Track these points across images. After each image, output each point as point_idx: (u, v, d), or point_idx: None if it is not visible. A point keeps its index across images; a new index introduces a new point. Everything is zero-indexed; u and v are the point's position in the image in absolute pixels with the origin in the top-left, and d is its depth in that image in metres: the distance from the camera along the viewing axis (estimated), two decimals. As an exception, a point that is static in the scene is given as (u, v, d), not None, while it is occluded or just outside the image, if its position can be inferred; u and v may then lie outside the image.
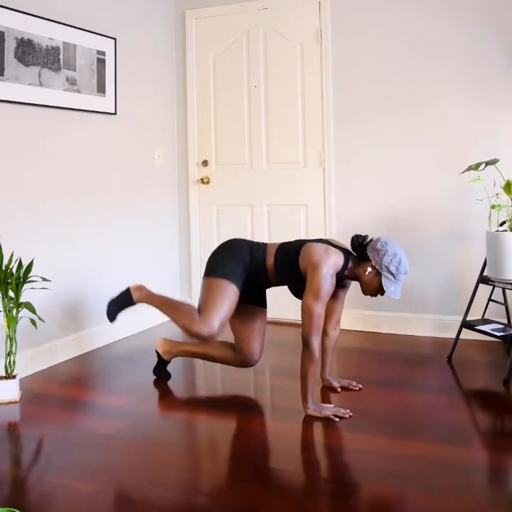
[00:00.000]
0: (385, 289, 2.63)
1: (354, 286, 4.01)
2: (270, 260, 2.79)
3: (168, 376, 3.15)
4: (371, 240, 2.72)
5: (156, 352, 3.15)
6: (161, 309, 2.88)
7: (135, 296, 2.97)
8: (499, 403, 2.74)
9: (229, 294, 2.73)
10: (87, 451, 2.33)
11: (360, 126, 4.06)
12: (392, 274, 2.62)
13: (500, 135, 3.71)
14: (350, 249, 2.77)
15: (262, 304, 2.98)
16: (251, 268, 2.80)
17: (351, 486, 2.03)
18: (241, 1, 4.35)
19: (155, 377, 3.16)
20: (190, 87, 4.55)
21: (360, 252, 2.72)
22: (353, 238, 2.74)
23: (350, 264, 2.71)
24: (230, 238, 2.96)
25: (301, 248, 2.72)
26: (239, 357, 2.94)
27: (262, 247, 2.85)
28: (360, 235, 2.74)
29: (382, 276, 2.63)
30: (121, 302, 2.99)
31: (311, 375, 2.60)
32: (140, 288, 2.99)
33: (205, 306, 2.73)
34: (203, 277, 2.84)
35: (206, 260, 3.10)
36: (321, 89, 4.16)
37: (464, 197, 3.80)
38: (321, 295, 2.57)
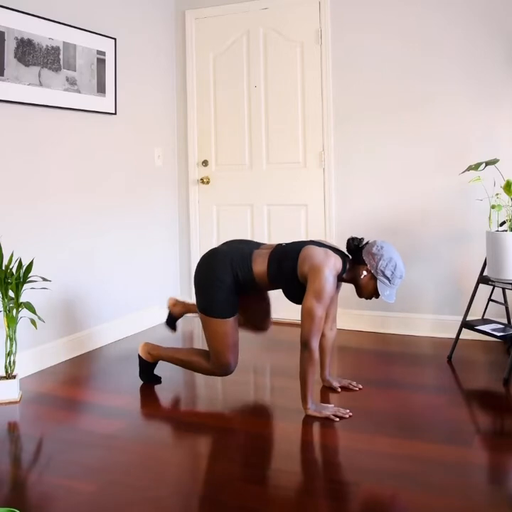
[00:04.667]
0: (380, 293, 2.62)
1: (352, 287, 4.01)
2: (260, 268, 2.69)
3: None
4: (367, 243, 2.72)
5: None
6: (174, 363, 2.97)
7: (148, 358, 3.05)
8: (499, 403, 2.74)
9: (228, 331, 2.74)
10: (87, 451, 2.33)
11: (360, 126, 4.06)
12: (387, 278, 2.61)
13: (500, 135, 3.71)
14: (344, 252, 2.77)
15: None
16: (237, 285, 2.73)
17: (351, 486, 2.03)
18: (241, 1, 4.35)
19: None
20: (190, 87, 4.55)
21: (355, 255, 2.71)
22: (348, 241, 2.73)
23: (347, 267, 2.71)
24: (210, 250, 2.82)
25: (299, 253, 2.68)
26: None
27: (246, 257, 2.73)
28: (356, 238, 2.72)
29: (378, 280, 2.62)
30: (145, 370, 3.08)
31: (311, 376, 2.59)
32: (147, 350, 3.04)
33: (214, 352, 2.78)
34: (199, 311, 2.78)
35: (195, 268, 3.00)
36: (321, 89, 4.16)
37: (464, 197, 3.80)
38: (322, 297, 2.56)
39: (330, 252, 2.65)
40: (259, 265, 2.71)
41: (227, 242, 2.89)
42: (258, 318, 3.05)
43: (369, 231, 4.03)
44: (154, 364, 3.08)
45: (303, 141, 4.24)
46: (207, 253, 2.82)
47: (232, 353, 2.77)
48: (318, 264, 2.58)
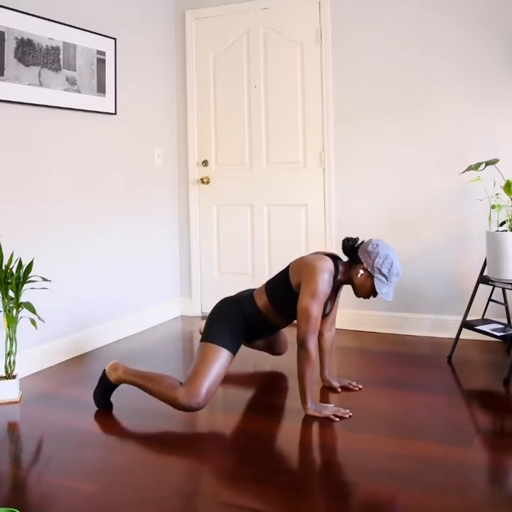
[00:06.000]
0: (377, 290, 2.62)
1: (350, 288, 4.01)
2: (262, 300, 2.72)
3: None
4: (362, 242, 2.72)
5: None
6: (140, 385, 2.61)
7: (112, 378, 2.70)
8: (499, 403, 2.74)
9: (218, 359, 2.55)
10: (87, 451, 2.33)
11: (360, 126, 4.06)
12: (384, 275, 2.61)
13: (500, 135, 3.71)
14: (336, 255, 2.78)
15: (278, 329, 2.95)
16: (247, 322, 2.71)
17: (351, 486, 2.03)
18: (241, 1, 4.35)
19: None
20: (190, 87, 4.55)
21: (351, 254, 2.72)
22: (343, 241, 2.74)
23: (341, 268, 2.71)
24: (221, 299, 2.82)
25: (289, 267, 2.73)
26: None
27: (249, 295, 2.77)
28: (351, 238, 2.73)
29: (375, 279, 2.62)
30: (103, 388, 2.75)
31: (309, 376, 2.59)
32: (115, 368, 2.71)
33: (191, 375, 2.53)
34: (200, 342, 2.65)
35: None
36: (321, 89, 4.16)
37: (464, 197, 3.80)
38: (317, 295, 2.56)
39: (320, 255, 2.69)
40: (260, 297, 2.74)
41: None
42: (275, 343, 3.27)
43: (369, 231, 4.03)
44: (114, 386, 2.75)
45: (303, 141, 4.24)
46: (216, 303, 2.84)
47: (209, 383, 2.50)
48: (310, 265, 2.60)
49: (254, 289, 2.86)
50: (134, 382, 2.63)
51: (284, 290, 2.69)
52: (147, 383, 2.59)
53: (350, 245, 2.72)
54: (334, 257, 2.74)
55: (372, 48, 4.00)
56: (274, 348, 3.28)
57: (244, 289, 3.12)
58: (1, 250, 2.89)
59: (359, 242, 2.74)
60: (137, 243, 4.19)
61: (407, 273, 3.94)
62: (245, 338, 2.77)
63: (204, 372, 2.51)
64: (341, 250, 2.79)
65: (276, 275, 2.79)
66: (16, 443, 2.42)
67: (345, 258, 3.97)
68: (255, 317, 2.72)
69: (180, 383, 2.55)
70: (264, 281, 2.91)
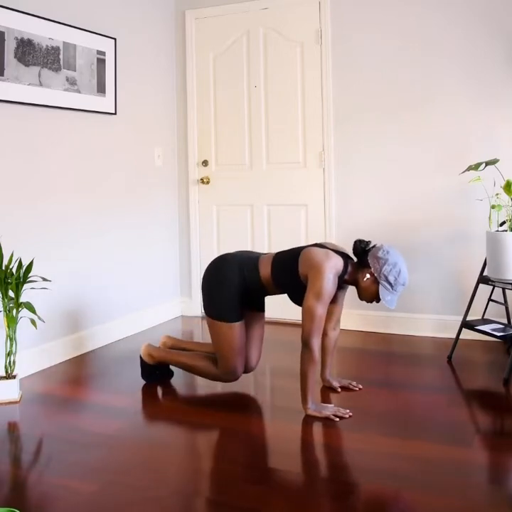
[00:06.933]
0: (381, 297, 2.61)
1: (353, 288, 4.01)
2: (265, 271, 2.75)
3: (170, 374, 3.15)
4: (374, 246, 2.72)
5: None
6: (178, 366, 2.99)
7: (150, 361, 3.06)
8: (499, 403, 2.74)
9: (234, 335, 2.78)
10: (87, 451, 2.33)
11: (361, 126, 4.06)
12: (390, 283, 2.60)
13: (500, 135, 3.71)
14: (348, 253, 2.77)
15: (260, 308, 2.98)
16: (245, 287, 2.78)
17: (351, 486, 2.03)
18: (241, 1, 4.35)
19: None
20: (190, 87, 4.55)
21: (361, 257, 2.71)
22: (355, 243, 2.73)
23: (349, 269, 2.70)
24: (220, 255, 2.87)
25: (300, 254, 2.70)
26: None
27: (254, 261, 2.80)
28: (363, 241, 2.72)
29: (380, 285, 2.62)
30: (147, 372, 3.09)
31: (311, 376, 2.60)
32: (148, 352, 3.06)
33: (221, 356, 2.81)
34: (206, 315, 2.84)
35: (203, 272, 2.95)
36: (321, 89, 4.16)
37: (464, 197, 3.80)
38: (322, 296, 2.56)
39: (331, 253, 2.65)
40: (265, 268, 2.76)
41: (235, 251, 2.93)
42: (248, 353, 2.94)
43: (369, 231, 4.03)
44: (155, 366, 3.08)
45: (303, 141, 4.24)
46: (216, 258, 2.88)
47: (238, 357, 2.80)
48: (318, 264, 2.59)
49: (258, 254, 2.86)
50: (173, 362, 2.98)
51: (290, 271, 2.70)
52: (184, 366, 2.95)
53: (362, 248, 2.71)
54: (346, 256, 2.74)
55: (372, 48, 4.00)
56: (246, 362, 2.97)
57: (245, 249, 3.09)
58: (1, 250, 2.89)
59: (371, 245, 2.73)
60: (137, 243, 4.19)
61: (408, 273, 3.93)
62: (241, 304, 2.82)
63: (228, 352, 2.79)
64: (352, 251, 2.77)
65: (287, 253, 2.76)
66: (16, 443, 2.42)
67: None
68: (255, 286, 2.78)
69: (215, 362, 2.87)
70: (274, 252, 2.94)
